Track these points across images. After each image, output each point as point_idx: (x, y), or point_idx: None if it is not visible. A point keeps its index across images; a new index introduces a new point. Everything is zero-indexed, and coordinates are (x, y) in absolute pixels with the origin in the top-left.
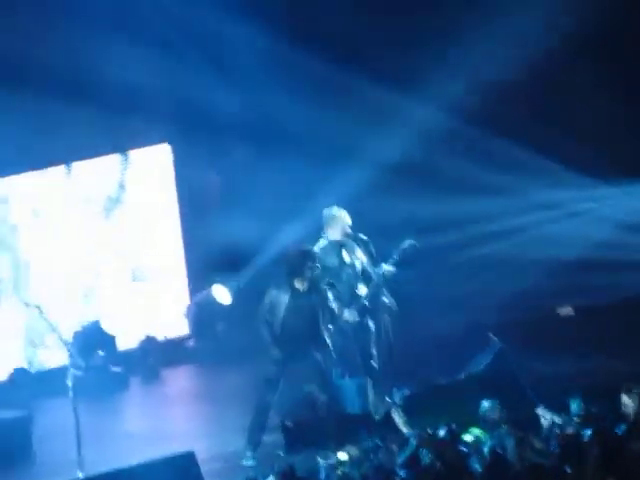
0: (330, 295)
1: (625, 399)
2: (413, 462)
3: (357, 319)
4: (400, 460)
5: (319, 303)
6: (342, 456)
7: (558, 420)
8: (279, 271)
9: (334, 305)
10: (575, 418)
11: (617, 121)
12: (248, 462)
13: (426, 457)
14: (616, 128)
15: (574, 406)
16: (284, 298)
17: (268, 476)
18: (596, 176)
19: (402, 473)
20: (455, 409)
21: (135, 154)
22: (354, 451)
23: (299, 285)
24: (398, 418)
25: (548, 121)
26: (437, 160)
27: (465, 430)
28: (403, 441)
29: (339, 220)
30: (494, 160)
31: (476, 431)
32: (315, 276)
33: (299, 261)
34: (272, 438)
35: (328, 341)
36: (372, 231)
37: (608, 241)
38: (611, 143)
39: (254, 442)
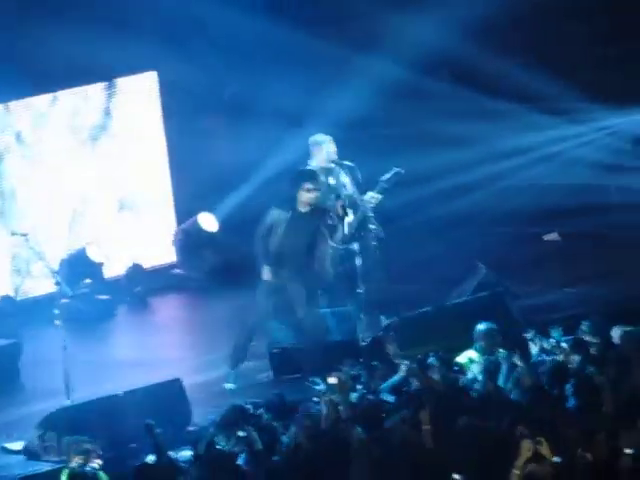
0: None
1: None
2: (401, 388)
3: (343, 246)
4: (386, 386)
5: (317, 227)
6: (332, 380)
7: (547, 346)
8: (281, 190)
9: (325, 231)
10: (563, 344)
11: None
12: (229, 385)
13: (414, 384)
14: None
15: (555, 334)
16: (285, 217)
17: (254, 403)
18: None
19: (389, 398)
20: (442, 335)
21: (122, 82)
22: (341, 377)
23: (300, 206)
24: (387, 345)
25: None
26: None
27: (456, 354)
28: (390, 368)
29: (324, 146)
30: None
31: (469, 353)
32: (316, 198)
33: (300, 181)
34: (258, 364)
35: (317, 266)
36: None
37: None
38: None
39: (235, 361)
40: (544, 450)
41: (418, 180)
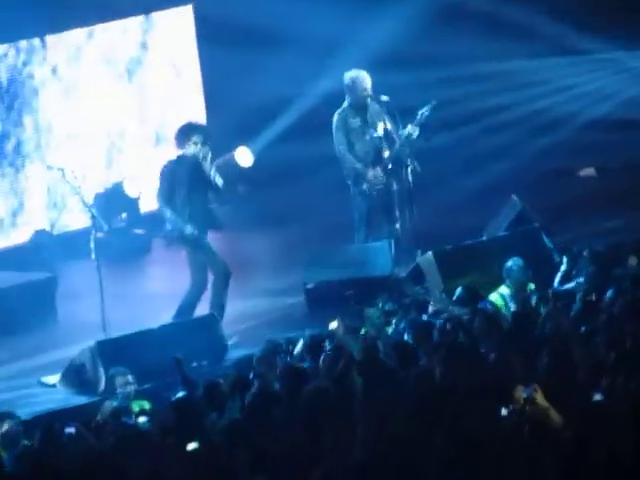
0: (351, 156)
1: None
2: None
3: (381, 180)
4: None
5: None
6: (333, 325)
7: (581, 280)
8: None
9: (358, 166)
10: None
11: None
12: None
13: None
14: None
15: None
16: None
17: (292, 337)
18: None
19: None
20: (479, 270)
21: (158, 16)
22: (373, 312)
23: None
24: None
25: None
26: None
27: (491, 289)
28: (424, 303)
29: (359, 82)
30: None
31: (501, 289)
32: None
33: (189, 134)
34: (294, 300)
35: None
36: None
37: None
38: None
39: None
40: (538, 397)
41: (456, 115)
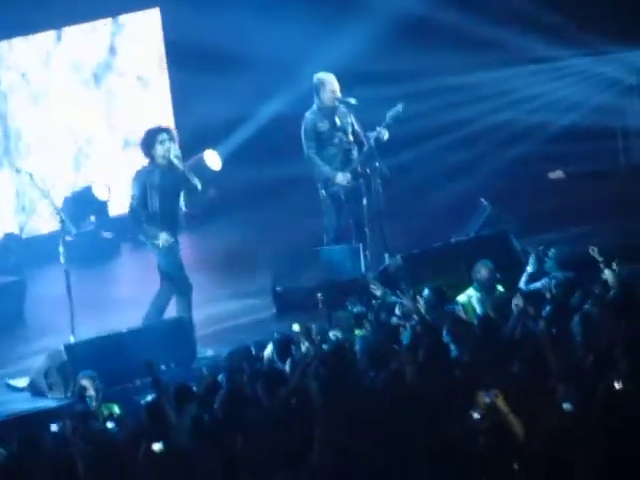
0: (319, 160)
1: (607, 273)
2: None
3: (350, 183)
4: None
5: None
6: (295, 328)
7: (548, 284)
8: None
9: (326, 169)
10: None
11: None
12: None
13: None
14: None
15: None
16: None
17: (260, 341)
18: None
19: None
20: (448, 273)
21: (125, 19)
22: (343, 315)
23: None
24: (371, 285)
25: None
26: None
27: (458, 292)
28: (392, 305)
29: (327, 84)
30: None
31: (469, 291)
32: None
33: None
34: (263, 302)
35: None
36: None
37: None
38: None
39: None
40: (500, 403)
41: (424, 120)
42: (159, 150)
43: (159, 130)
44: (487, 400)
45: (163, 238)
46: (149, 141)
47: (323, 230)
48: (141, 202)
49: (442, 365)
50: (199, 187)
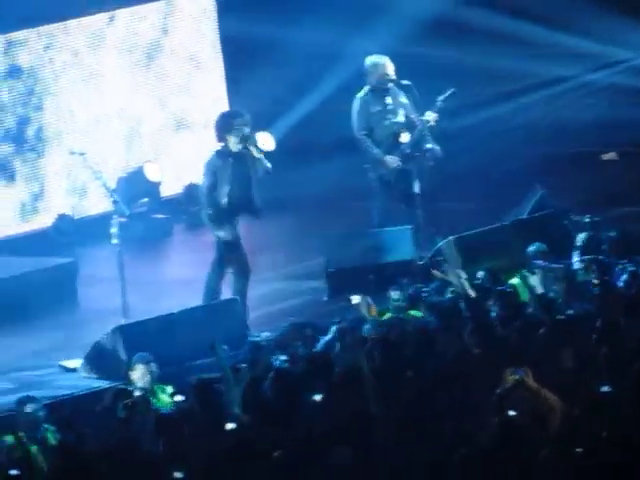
0: (370, 142)
1: None
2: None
3: (399, 166)
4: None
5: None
6: (355, 300)
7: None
8: None
9: (376, 151)
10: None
11: None
12: None
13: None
14: None
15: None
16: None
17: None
18: None
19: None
20: (500, 254)
21: (179, 1)
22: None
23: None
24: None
25: None
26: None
27: (512, 274)
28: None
29: (380, 67)
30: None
31: (525, 274)
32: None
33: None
34: (316, 284)
35: None
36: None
37: None
38: None
39: None
40: (529, 380)
41: (476, 101)
42: (232, 139)
43: (236, 114)
44: (516, 377)
45: (222, 235)
46: (225, 126)
47: (372, 212)
48: (212, 189)
49: (488, 343)
50: (270, 171)
